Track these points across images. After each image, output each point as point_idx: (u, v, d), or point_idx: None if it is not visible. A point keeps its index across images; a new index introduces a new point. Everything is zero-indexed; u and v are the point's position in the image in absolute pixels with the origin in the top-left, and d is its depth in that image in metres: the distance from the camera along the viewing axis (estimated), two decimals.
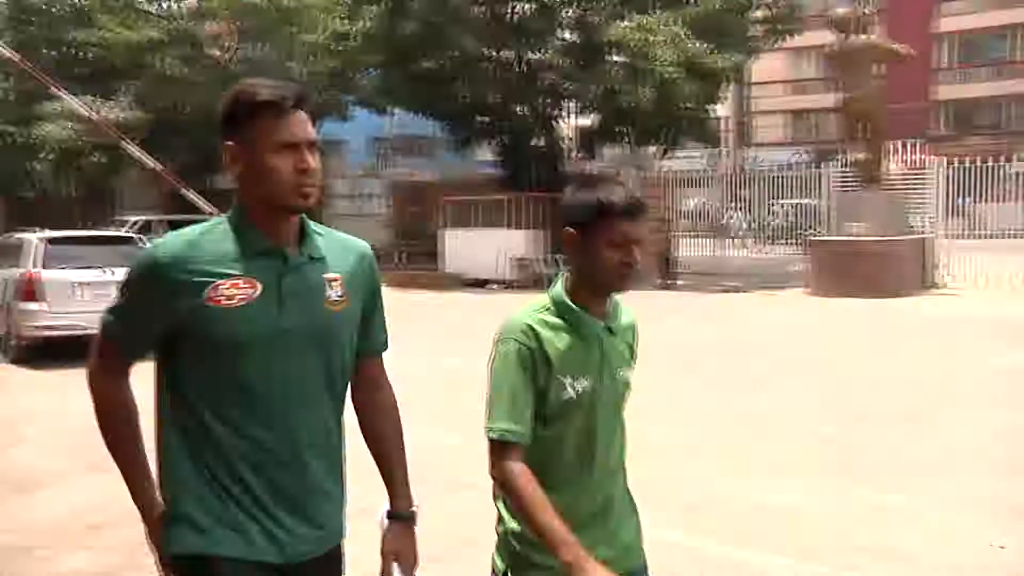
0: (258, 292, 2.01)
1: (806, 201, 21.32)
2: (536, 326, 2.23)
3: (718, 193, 24.68)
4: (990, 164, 19.02)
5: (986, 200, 20.44)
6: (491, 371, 2.19)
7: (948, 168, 18.98)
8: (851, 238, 17.87)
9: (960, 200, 19.66)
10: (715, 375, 10.08)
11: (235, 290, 1.99)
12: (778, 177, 22.56)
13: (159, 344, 2.07)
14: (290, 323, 2.04)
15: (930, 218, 18.99)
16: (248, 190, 2.06)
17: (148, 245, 2.14)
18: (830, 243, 18.34)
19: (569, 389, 2.24)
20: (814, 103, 46.93)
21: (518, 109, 23.76)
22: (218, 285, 1.98)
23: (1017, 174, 20.55)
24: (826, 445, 6.99)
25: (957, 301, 16.58)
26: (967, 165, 18.93)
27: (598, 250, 2.23)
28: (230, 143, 2.04)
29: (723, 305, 17.27)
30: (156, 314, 2.03)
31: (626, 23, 20.70)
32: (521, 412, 2.18)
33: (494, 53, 22.85)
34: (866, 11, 19.73)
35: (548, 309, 2.28)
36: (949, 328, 13.30)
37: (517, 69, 23.04)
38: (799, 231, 21.15)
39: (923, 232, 18.93)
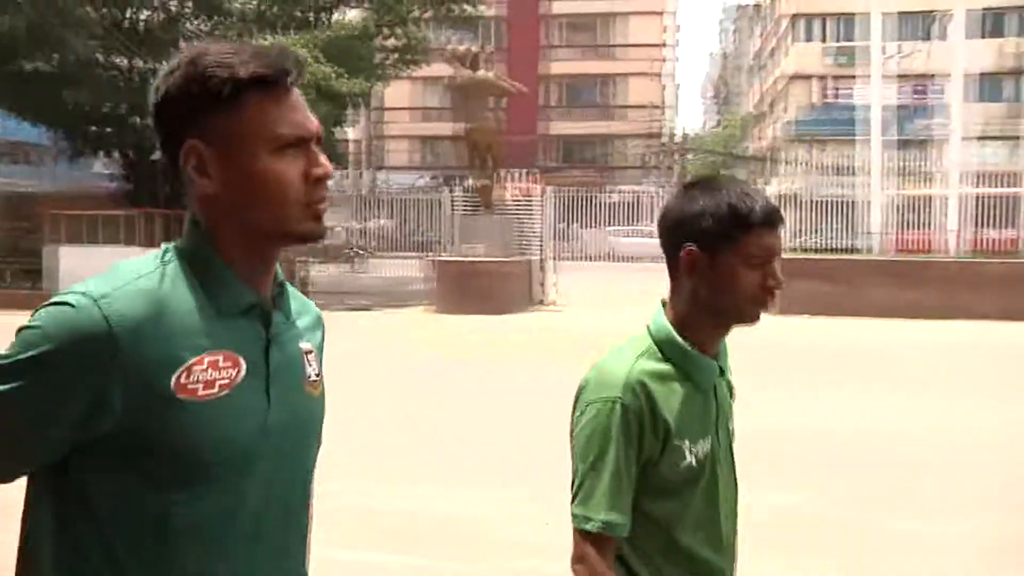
0: (242, 374, 1.30)
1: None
2: (646, 380, 1.72)
3: (347, 213, 24.98)
4: (590, 193, 21.14)
5: (587, 226, 22.63)
6: (583, 440, 1.70)
7: (555, 196, 20.78)
8: (471, 258, 18.83)
9: (565, 225, 21.62)
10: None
11: (213, 372, 1.27)
12: (406, 199, 23.33)
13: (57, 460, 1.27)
14: (276, 419, 1.34)
15: (539, 241, 20.61)
16: (226, 213, 1.33)
17: (71, 294, 1.25)
18: (453, 263, 19.21)
19: (688, 455, 1.76)
20: (440, 130, 49.09)
21: (139, 121, 22.35)
22: (192, 366, 1.26)
23: (612, 203, 23.03)
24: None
25: (559, 315, 18.04)
26: (570, 193, 20.88)
27: (735, 272, 1.75)
28: (193, 142, 1.31)
29: (350, 322, 17.42)
30: (73, 413, 1.23)
31: (255, 42, 20.28)
32: (626, 497, 1.71)
33: (114, 60, 21.36)
34: (483, 49, 21.08)
35: (651, 352, 1.78)
36: (548, 338, 14.45)
37: (139, 79, 21.68)
38: (422, 250, 22.01)
39: (533, 254, 20.50)
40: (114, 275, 1.27)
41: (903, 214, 20.24)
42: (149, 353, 1.23)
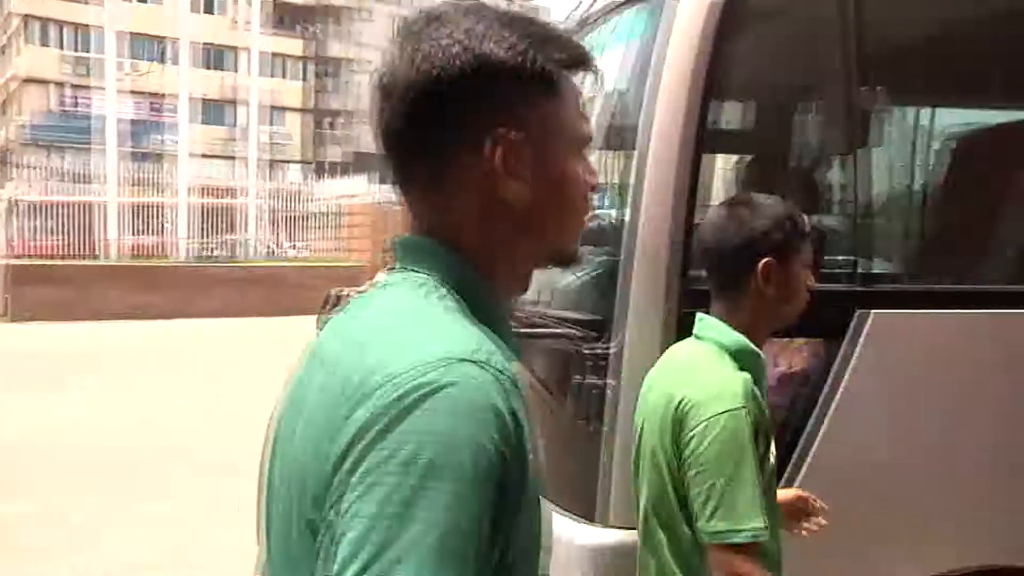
0: None
1: None
2: (752, 387, 1.73)
3: None
4: None
5: None
6: (715, 454, 1.64)
7: None
8: None
9: None
10: None
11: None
12: None
13: None
14: None
15: None
16: (523, 227, 1.00)
17: (456, 362, 0.84)
18: None
19: (772, 457, 1.84)
20: None
21: None
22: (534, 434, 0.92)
23: None
24: None
25: None
26: None
27: (799, 276, 1.86)
28: (506, 132, 0.96)
29: None
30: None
31: None
32: (762, 502, 1.71)
33: None
34: None
35: (734, 363, 1.80)
36: None
37: None
38: None
39: None
40: (449, 322, 0.94)
41: (138, 221, 20.94)
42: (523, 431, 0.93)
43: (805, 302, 1.92)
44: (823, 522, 2.11)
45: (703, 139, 2.45)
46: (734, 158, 3.57)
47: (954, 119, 3.25)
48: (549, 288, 3.09)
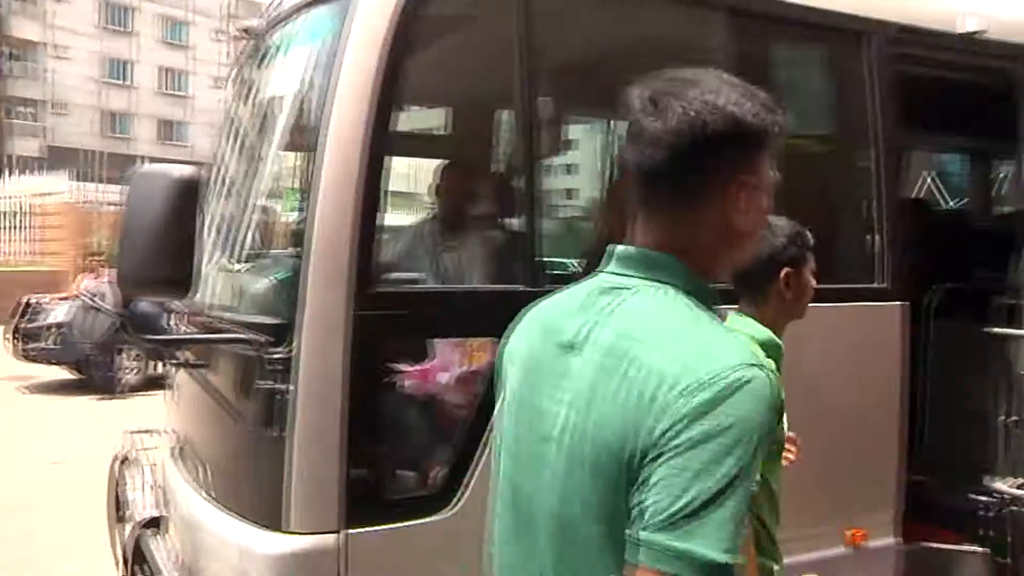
0: None
1: None
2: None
3: None
4: None
5: None
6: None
7: None
8: None
9: None
10: None
11: None
12: None
13: None
14: None
15: None
16: (731, 249, 1.33)
17: (749, 366, 1.18)
18: None
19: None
20: None
21: None
22: None
23: None
24: None
25: None
26: None
27: (808, 281, 2.30)
28: (746, 178, 1.28)
29: None
30: None
31: None
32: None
33: None
34: None
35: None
36: None
37: None
38: None
39: None
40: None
41: None
42: None
43: (811, 300, 2.36)
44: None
45: (383, 142, 2.46)
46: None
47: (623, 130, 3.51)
48: (229, 292, 2.99)
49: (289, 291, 2.45)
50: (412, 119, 3.24)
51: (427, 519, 2.46)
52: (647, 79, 1.30)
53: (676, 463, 1.11)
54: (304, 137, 2.62)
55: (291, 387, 2.36)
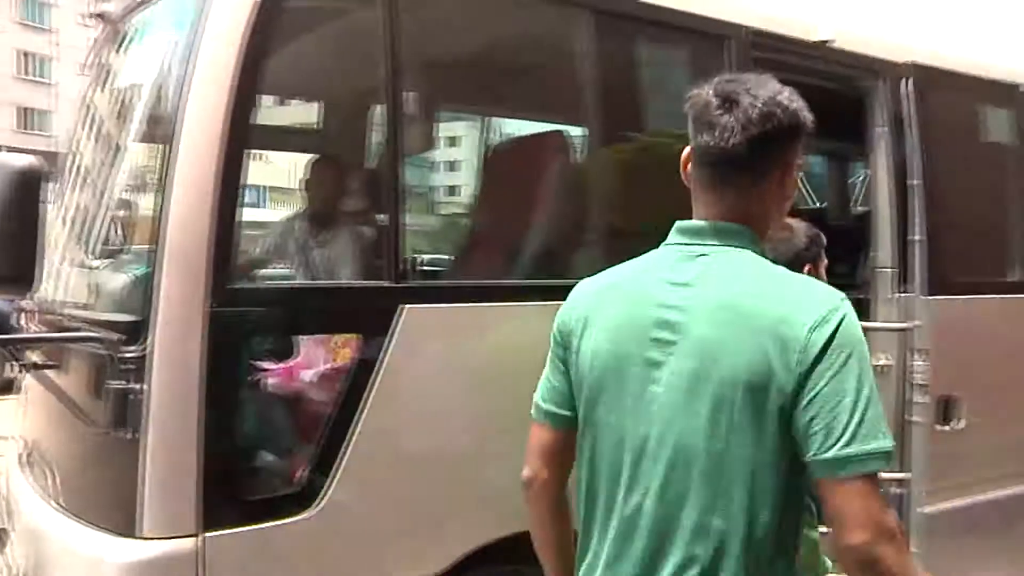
0: None
1: None
2: None
3: None
4: None
5: None
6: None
7: None
8: None
9: None
10: None
11: None
12: None
13: None
14: None
15: None
16: (773, 220, 1.68)
17: (842, 300, 1.52)
18: None
19: None
20: None
21: None
22: None
23: None
24: None
25: None
26: None
27: (823, 276, 2.63)
28: (798, 162, 1.64)
29: None
30: None
31: None
32: None
33: None
34: None
35: None
36: None
37: None
38: None
39: None
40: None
41: None
42: None
43: None
44: None
45: (242, 135, 2.39)
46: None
47: (496, 127, 3.53)
48: (83, 289, 2.86)
49: (144, 287, 2.35)
50: (275, 112, 3.17)
51: (290, 519, 2.41)
52: (712, 81, 1.58)
53: (831, 389, 1.40)
54: (159, 128, 2.52)
55: (144, 387, 2.27)
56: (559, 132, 3.17)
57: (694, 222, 1.59)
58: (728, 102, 1.53)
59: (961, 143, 4.13)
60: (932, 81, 3.88)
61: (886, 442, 1.41)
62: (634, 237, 3.17)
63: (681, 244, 1.58)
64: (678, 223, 1.62)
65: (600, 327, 1.59)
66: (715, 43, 3.25)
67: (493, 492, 2.72)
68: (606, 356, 1.57)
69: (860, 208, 6.06)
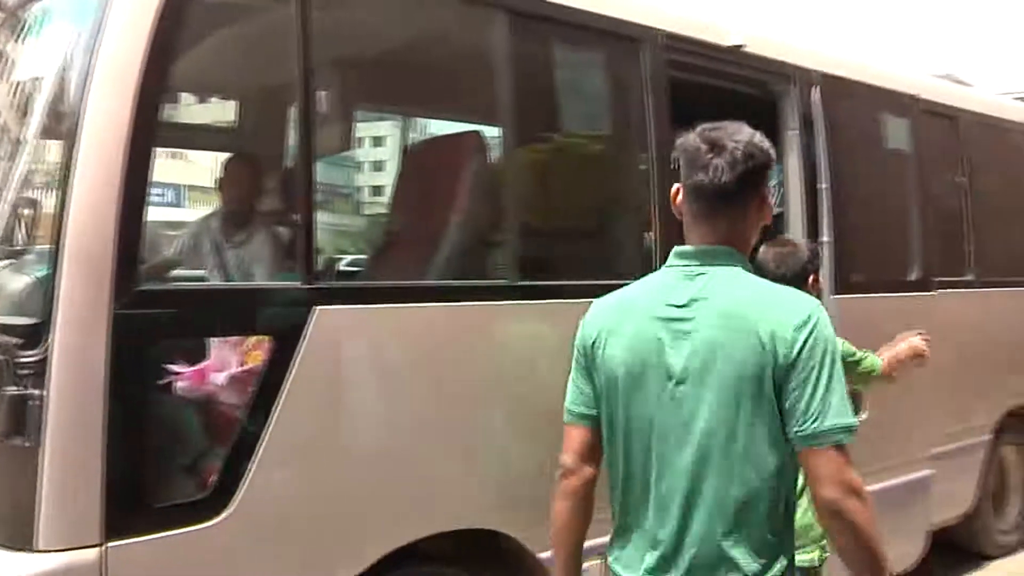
0: None
1: None
2: None
3: None
4: None
5: None
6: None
7: None
8: None
9: None
10: None
11: None
12: None
13: None
14: None
15: None
16: (754, 239, 1.98)
17: (817, 306, 1.85)
18: None
19: None
20: None
21: None
22: None
23: None
24: None
25: None
26: None
27: (820, 284, 3.11)
28: (770, 192, 2.08)
29: None
30: None
31: None
32: None
33: None
34: None
35: None
36: None
37: None
38: None
39: None
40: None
41: None
42: None
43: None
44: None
45: (148, 132, 2.31)
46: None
47: (413, 127, 3.50)
48: None
49: (45, 289, 2.25)
50: (186, 109, 3.08)
51: (200, 526, 2.34)
52: (696, 130, 1.87)
53: (811, 376, 1.72)
54: (61, 123, 2.42)
55: (43, 392, 2.18)
56: (475, 132, 3.17)
57: (692, 247, 1.88)
58: (715, 147, 1.82)
59: (864, 149, 4.28)
60: (839, 89, 4.01)
61: (852, 420, 1.75)
62: (548, 237, 3.25)
63: (682, 266, 1.87)
64: (676, 248, 1.90)
65: (619, 337, 1.87)
66: (630, 46, 3.29)
67: (409, 494, 2.71)
68: (628, 362, 1.85)
69: (777, 209, 6.22)
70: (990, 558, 5.37)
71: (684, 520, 1.81)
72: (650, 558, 1.85)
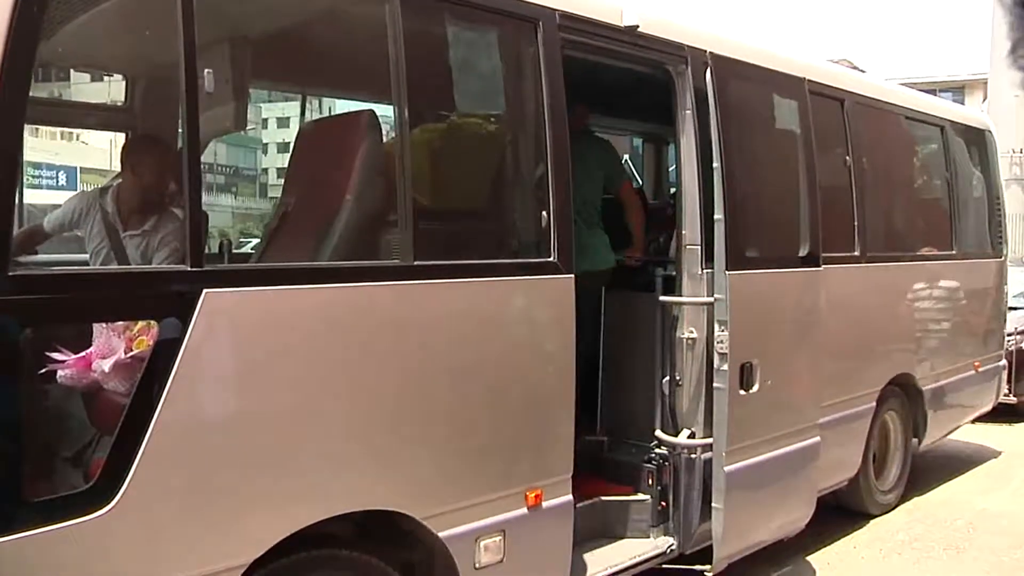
0: None
1: None
2: None
3: None
4: None
5: None
6: None
7: None
8: None
9: None
10: None
11: None
12: None
13: None
14: None
15: None
16: None
17: None
18: None
19: None
20: None
21: None
22: None
23: None
24: None
25: None
26: None
27: None
28: None
29: None
30: None
31: None
32: None
33: None
34: None
35: None
36: None
37: None
38: None
39: None
40: None
41: None
42: None
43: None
44: None
45: (15, 109, 2.16)
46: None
47: (305, 107, 3.40)
48: None
49: None
50: (61, 86, 2.91)
51: (83, 519, 2.22)
52: None
53: None
54: None
55: None
56: (369, 111, 3.08)
57: None
58: None
59: (756, 129, 4.35)
60: (730, 70, 4.06)
61: None
62: (443, 216, 3.20)
63: None
64: None
65: None
66: (525, 25, 3.25)
67: (303, 478, 2.64)
68: None
69: (673, 188, 6.30)
70: (871, 516, 5.65)
71: None
72: None
